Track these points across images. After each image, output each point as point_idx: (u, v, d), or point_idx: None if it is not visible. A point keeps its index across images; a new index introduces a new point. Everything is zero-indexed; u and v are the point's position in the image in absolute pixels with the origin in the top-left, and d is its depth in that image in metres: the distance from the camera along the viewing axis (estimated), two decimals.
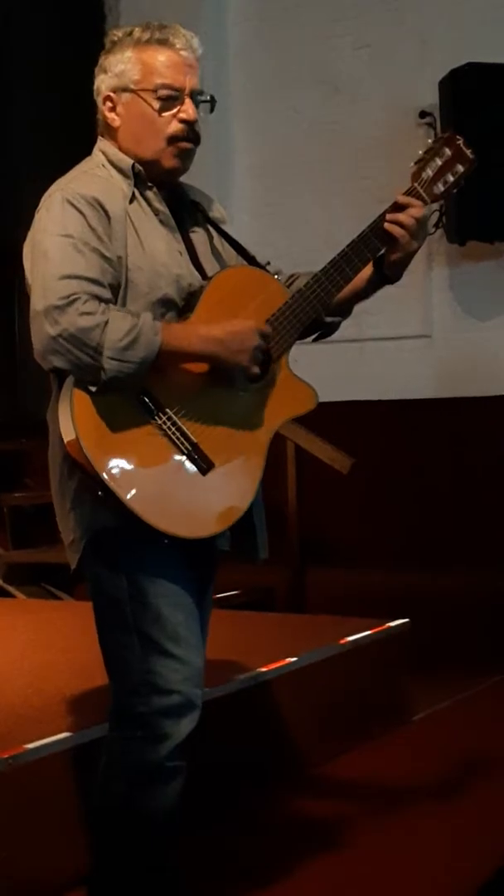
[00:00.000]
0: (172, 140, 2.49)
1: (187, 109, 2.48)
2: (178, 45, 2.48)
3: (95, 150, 2.57)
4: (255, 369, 2.46)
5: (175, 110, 2.47)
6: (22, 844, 2.84)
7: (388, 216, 2.55)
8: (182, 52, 2.48)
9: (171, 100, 2.47)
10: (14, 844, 2.82)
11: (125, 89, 2.49)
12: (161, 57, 2.47)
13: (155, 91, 2.46)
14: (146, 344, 2.33)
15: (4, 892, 2.78)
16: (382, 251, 2.58)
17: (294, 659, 3.87)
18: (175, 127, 2.48)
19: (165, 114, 2.48)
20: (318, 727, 3.92)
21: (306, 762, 3.80)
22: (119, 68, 2.48)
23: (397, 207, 2.55)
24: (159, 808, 2.46)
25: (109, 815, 2.50)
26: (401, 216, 2.54)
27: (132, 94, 2.48)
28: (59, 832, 2.91)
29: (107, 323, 2.31)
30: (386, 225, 2.54)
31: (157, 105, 2.47)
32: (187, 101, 2.48)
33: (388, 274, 2.62)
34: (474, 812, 3.42)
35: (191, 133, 2.50)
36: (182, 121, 2.48)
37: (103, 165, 2.52)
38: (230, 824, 3.32)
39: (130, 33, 2.49)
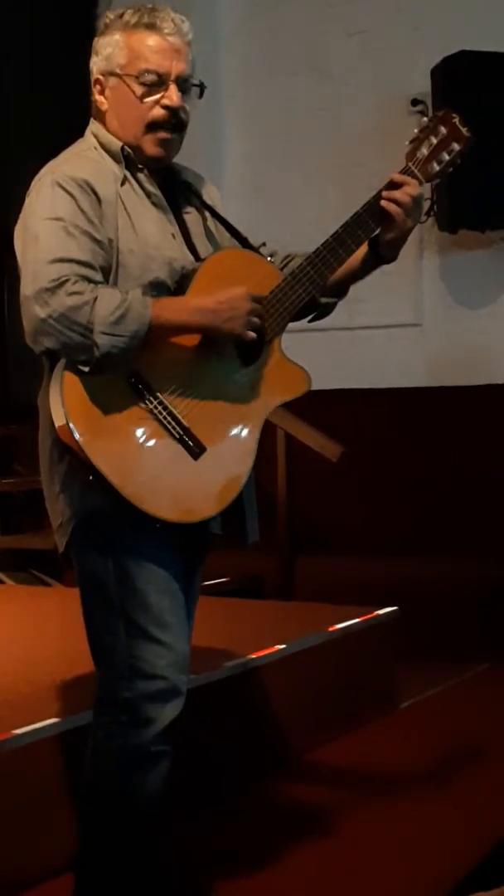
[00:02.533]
0: (152, 126, 2.47)
1: (171, 95, 2.46)
2: (165, 30, 2.45)
3: (87, 132, 2.56)
4: (251, 334, 2.44)
5: (158, 96, 2.46)
6: (9, 829, 2.84)
7: (385, 194, 2.53)
8: (169, 38, 2.46)
9: (154, 86, 2.45)
10: (1, 829, 2.82)
11: (112, 73, 2.48)
12: (149, 41, 2.45)
13: (138, 76, 2.45)
14: (137, 317, 2.32)
15: None
16: (376, 231, 2.57)
17: (283, 646, 3.87)
18: (156, 113, 2.46)
19: (148, 99, 2.46)
20: (306, 714, 3.92)
21: (295, 749, 3.80)
22: (107, 51, 2.48)
23: (393, 185, 2.54)
24: (145, 793, 2.46)
25: (96, 800, 2.51)
26: (397, 194, 2.52)
27: (118, 79, 2.47)
28: (47, 817, 2.91)
29: (96, 300, 2.30)
30: (383, 202, 2.52)
31: (139, 91, 2.45)
32: (171, 87, 2.45)
33: (383, 254, 2.60)
34: (462, 798, 3.43)
35: (173, 119, 2.47)
36: (164, 107, 2.46)
37: (95, 148, 2.51)
38: (219, 811, 3.32)
39: (121, 16, 2.48)
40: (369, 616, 4.36)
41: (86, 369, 2.32)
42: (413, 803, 3.41)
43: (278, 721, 3.78)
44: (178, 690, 2.45)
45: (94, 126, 2.56)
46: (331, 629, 4.15)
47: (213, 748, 3.41)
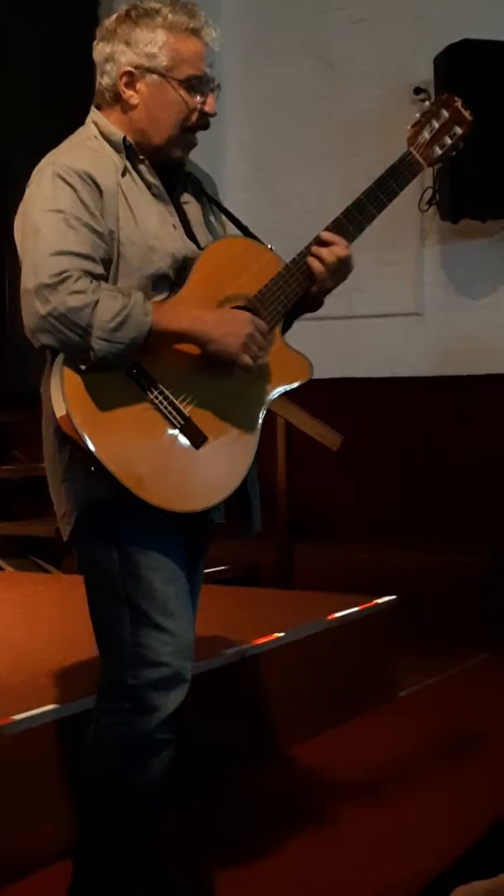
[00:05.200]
0: (191, 130, 2.49)
1: (211, 103, 2.48)
2: (206, 39, 2.47)
3: (88, 121, 2.55)
4: (247, 359, 2.41)
5: (199, 100, 2.47)
6: (8, 815, 2.85)
7: (313, 250, 2.51)
8: (211, 45, 2.48)
9: (196, 91, 2.47)
10: (0, 815, 2.83)
11: (153, 70, 2.45)
12: (195, 48, 2.46)
13: (185, 81, 2.45)
14: (136, 325, 2.31)
15: None
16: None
17: (281, 634, 3.87)
18: (196, 120, 2.48)
19: (191, 103, 2.47)
20: (304, 702, 3.93)
21: (293, 737, 3.81)
22: (149, 49, 2.44)
23: (321, 243, 2.52)
24: (147, 780, 2.47)
25: (97, 787, 2.51)
26: (323, 252, 2.51)
27: (161, 79, 2.45)
28: (46, 803, 2.92)
29: (97, 303, 2.29)
30: (308, 258, 2.51)
31: (184, 94, 2.46)
32: (210, 95, 2.48)
33: (307, 304, 2.59)
34: (459, 786, 3.44)
35: (208, 126, 2.51)
36: (204, 113, 2.48)
37: (95, 137, 2.50)
38: (216, 798, 3.33)
39: (158, 11, 2.45)
40: (368, 605, 4.37)
41: (83, 368, 2.33)
42: (411, 792, 3.42)
43: (276, 709, 3.79)
44: (182, 677, 2.46)
45: (94, 115, 2.54)
46: (329, 618, 4.16)
47: (211, 735, 3.42)
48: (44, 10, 6.20)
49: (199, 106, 2.47)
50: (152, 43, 2.44)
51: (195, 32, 2.46)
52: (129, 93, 2.48)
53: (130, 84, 2.47)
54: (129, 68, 2.46)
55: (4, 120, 6.10)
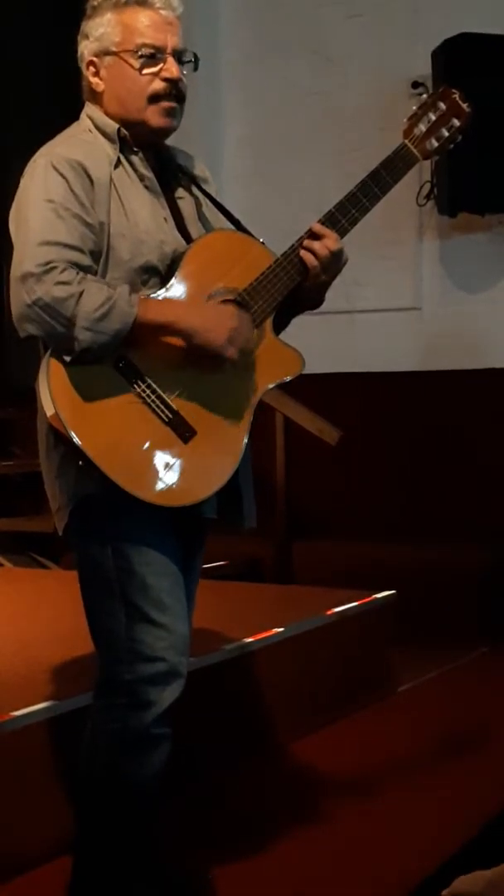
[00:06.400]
0: (154, 98, 2.47)
1: (170, 68, 2.46)
2: (157, 5, 2.46)
3: (82, 115, 2.56)
4: (232, 351, 2.41)
5: (157, 69, 2.46)
6: (7, 811, 2.85)
7: (305, 243, 2.51)
8: (161, 11, 2.47)
9: (152, 58, 2.45)
10: None
11: (107, 52, 2.47)
12: (141, 17, 2.45)
13: (136, 51, 2.44)
14: (120, 316, 2.31)
15: None
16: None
17: (280, 629, 3.87)
18: (158, 85, 2.46)
19: (147, 72, 2.46)
20: (303, 698, 3.93)
21: (291, 732, 3.81)
22: (99, 32, 2.47)
23: (313, 236, 2.51)
24: (144, 776, 2.47)
25: (94, 783, 2.51)
26: (315, 245, 2.50)
27: (114, 57, 2.47)
28: (45, 799, 2.92)
29: (82, 294, 2.29)
30: (301, 252, 2.51)
31: (138, 65, 2.45)
32: (169, 59, 2.46)
33: (303, 303, 2.59)
34: (458, 781, 3.44)
35: (174, 90, 2.48)
36: (165, 79, 2.46)
37: (90, 130, 2.51)
38: (214, 795, 3.33)
39: None
40: (367, 600, 4.36)
41: (67, 359, 2.33)
42: (410, 787, 3.42)
43: (275, 704, 3.79)
44: (177, 672, 2.45)
45: (88, 109, 2.55)
46: (328, 613, 4.16)
47: (209, 731, 3.42)
48: (43, 6, 6.19)
49: (157, 73, 2.45)
50: (102, 24, 2.48)
51: (141, 3, 2.46)
52: (95, 81, 2.51)
53: (96, 73, 2.51)
54: (91, 58, 2.50)
55: (4, 115, 6.09)
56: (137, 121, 2.49)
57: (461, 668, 4.77)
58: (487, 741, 3.79)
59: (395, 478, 5.92)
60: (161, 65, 2.46)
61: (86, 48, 2.50)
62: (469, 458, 5.77)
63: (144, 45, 2.44)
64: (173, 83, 2.47)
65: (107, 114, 2.51)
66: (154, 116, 2.48)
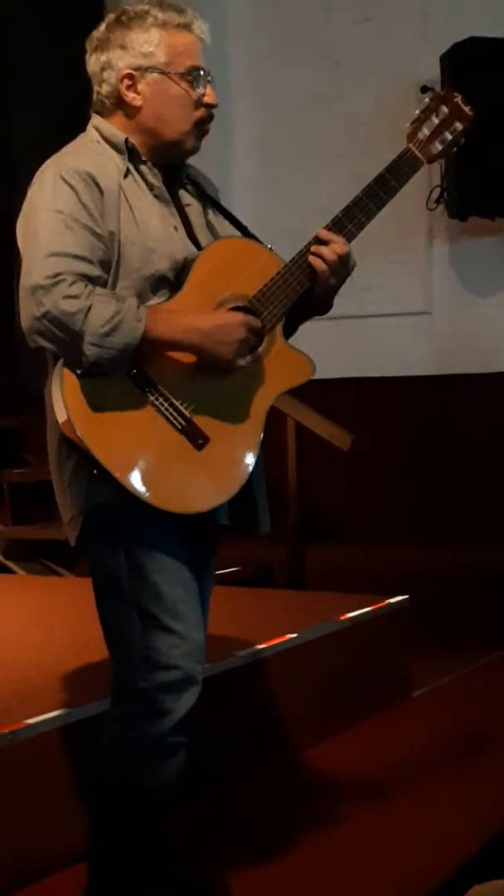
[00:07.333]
0: (199, 124, 2.52)
1: (210, 93, 2.51)
2: (197, 32, 2.51)
3: (89, 127, 2.57)
4: (241, 361, 2.43)
5: (200, 92, 2.50)
6: (23, 819, 2.85)
7: (313, 249, 2.52)
8: (201, 38, 2.52)
9: (197, 81, 2.49)
10: (15, 819, 2.83)
11: (153, 69, 2.47)
12: (187, 40, 2.50)
13: (186, 73, 2.48)
14: (128, 331, 2.32)
15: (6, 867, 2.79)
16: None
17: (294, 635, 3.87)
18: (203, 113, 2.51)
19: (194, 94, 2.49)
20: (317, 703, 3.92)
21: (305, 738, 3.81)
22: (145, 49, 2.47)
23: (320, 241, 2.52)
24: (160, 784, 2.47)
25: (110, 790, 2.51)
26: (324, 250, 2.51)
27: (162, 76, 2.47)
28: (60, 807, 2.92)
29: (90, 308, 2.30)
30: (310, 258, 2.52)
31: (186, 87, 2.48)
32: (208, 85, 2.50)
33: (313, 308, 2.61)
34: (473, 786, 3.43)
35: (212, 117, 2.53)
36: (207, 105, 2.51)
37: (98, 141, 2.52)
38: (228, 801, 3.33)
39: (148, 12, 2.48)
40: (380, 605, 4.36)
41: (78, 372, 2.34)
42: (425, 792, 3.41)
43: (289, 710, 3.78)
44: (193, 680, 2.45)
45: (95, 120, 2.56)
46: (342, 618, 4.15)
47: (224, 737, 3.41)
48: (49, 13, 6.21)
49: (201, 97, 2.50)
50: (148, 42, 2.48)
51: (186, 27, 2.50)
52: (131, 95, 2.50)
53: (132, 87, 2.50)
54: (129, 71, 2.48)
55: (8, 122, 6.10)
56: (175, 141, 2.51)
57: (476, 671, 4.76)
58: None
59: (407, 482, 5.92)
60: (202, 89, 2.50)
61: (121, 59, 2.49)
62: (481, 461, 5.76)
63: (193, 68, 2.48)
64: (212, 108, 2.52)
65: (128, 127, 2.51)
66: (191, 139, 2.52)
